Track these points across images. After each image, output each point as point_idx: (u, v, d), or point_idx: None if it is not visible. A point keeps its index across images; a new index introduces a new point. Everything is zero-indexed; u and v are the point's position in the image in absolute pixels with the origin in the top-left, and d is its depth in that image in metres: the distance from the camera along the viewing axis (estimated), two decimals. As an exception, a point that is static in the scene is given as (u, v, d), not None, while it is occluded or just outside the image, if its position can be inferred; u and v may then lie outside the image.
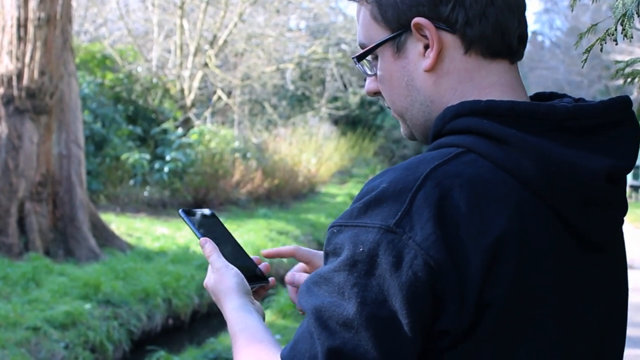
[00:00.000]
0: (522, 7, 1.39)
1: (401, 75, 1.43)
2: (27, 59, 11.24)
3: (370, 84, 1.50)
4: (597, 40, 1.92)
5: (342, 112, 32.33)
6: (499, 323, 1.22)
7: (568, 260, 1.30)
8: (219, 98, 23.71)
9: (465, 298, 1.19)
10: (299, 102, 33.54)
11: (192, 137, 19.37)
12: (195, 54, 21.63)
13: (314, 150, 26.87)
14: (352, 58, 1.49)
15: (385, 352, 1.19)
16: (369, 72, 1.49)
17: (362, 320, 1.19)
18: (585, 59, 2.01)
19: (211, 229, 1.74)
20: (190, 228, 1.71)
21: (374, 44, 1.43)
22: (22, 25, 11.21)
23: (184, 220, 1.73)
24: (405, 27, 1.39)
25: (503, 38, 1.37)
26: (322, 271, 1.27)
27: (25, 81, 11.28)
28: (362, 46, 1.47)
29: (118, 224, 14.68)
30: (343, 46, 29.68)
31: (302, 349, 1.24)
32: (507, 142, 1.25)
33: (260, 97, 29.08)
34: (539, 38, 64.47)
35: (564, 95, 1.44)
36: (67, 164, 11.97)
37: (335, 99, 32.20)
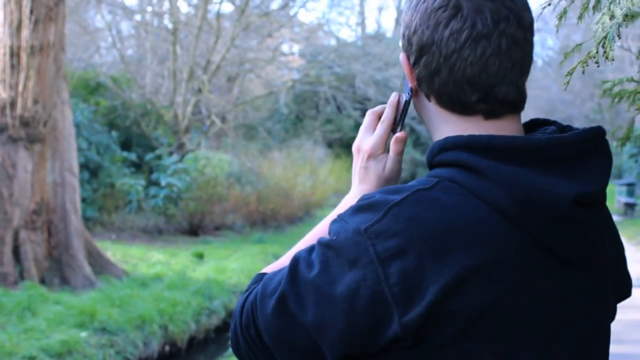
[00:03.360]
0: (483, 81, 1.45)
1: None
2: (20, 88, 11.26)
3: None
4: (579, 63, 1.97)
5: (336, 135, 32.36)
6: (465, 332, 1.34)
7: (544, 277, 1.40)
8: (213, 123, 23.73)
9: (412, 307, 1.32)
10: (293, 125, 33.57)
11: (187, 162, 19.37)
12: (188, 80, 21.67)
13: (309, 173, 26.85)
14: None
15: (315, 319, 1.39)
16: None
17: (313, 285, 1.39)
18: (568, 82, 2.06)
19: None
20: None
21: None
22: (15, 53, 11.25)
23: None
24: None
25: (451, 101, 1.48)
26: (318, 239, 1.46)
27: (18, 110, 11.29)
28: None
29: (114, 251, 14.63)
30: (336, 69, 29.73)
31: (276, 279, 1.47)
32: (483, 172, 1.38)
33: (254, 122, 29.09)
34: (531, 58, 64.54)
35: (554, 123, 1.55)
36: (62, 192, 11.94)
37: (329, 121, 32.24)
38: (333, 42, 34.33)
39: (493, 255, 1.34)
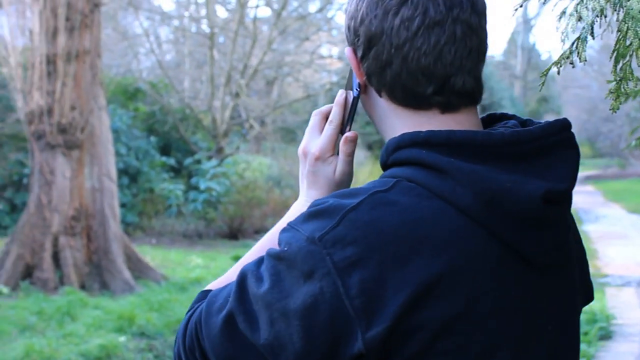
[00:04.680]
0: (438, 71, 1.36)
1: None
2: (57, 95, 11.35)
3: None
4: (552, 64, 1.95)
5: (375, 137, 32.27)
6: (433, 345, 1.25)
7: (512, 282, 1.32)
8: (251, 126, 23.79)
9: (376, 321, 1.23)
10: (333, 128, 33.55)
11: (226, 166, 19.42)
12: (226, 84, 21.73)
13: (349, 175, 26.75)
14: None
15: (268, 339, 1.28)
16: None
17: (265, 302, 1.28)
18: (543, 83, 2.03)
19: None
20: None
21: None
22: (51, 61, 11.35)
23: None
24: None
25: (405, 95, 1.39)
26: (267, 251, 1.35)
27: (56, 116, 11.39)
28: None
29: (153, 255, 14.70)
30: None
31: (222, 296, 1.37)
32: (444, 170, 1.28)
33: (293, 125, 29.11)
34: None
35: (513, 117, 1.47)
36: (100, 198, 12.02)
37: (368, 124, 32.15)
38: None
39: (459, 261, 1.25)
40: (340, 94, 1.56)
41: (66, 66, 11.33)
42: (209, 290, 1.46)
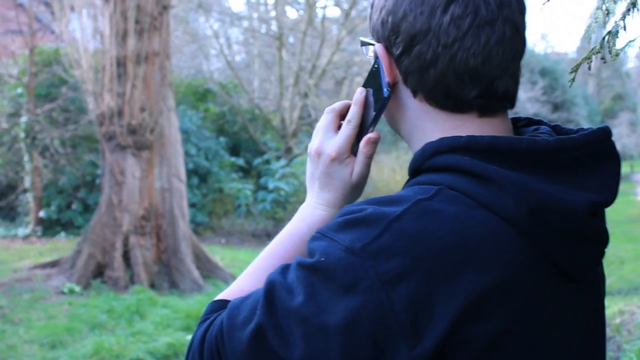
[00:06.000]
0: (485, 73, 1.30)
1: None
2: (127, 96, 11.53)
3: None
4: (583, 60, 1.88)
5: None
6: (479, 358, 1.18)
7: (551, 296, 1.26)
8: (320, 127, 23.82)
9: (423, 338, 1.15)
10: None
11: (295, 166, 19.48)
12: (294, 85, 21.80)
13: (418, 175, 26.60)
14: None
15: (303, 355, 1.20)
16: None
17: (299, 316, 1.20)
18: (573, 79, 1.97)
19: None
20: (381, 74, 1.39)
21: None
22: (121, 63, 11.53)
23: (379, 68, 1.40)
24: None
25: (446, 96, 1.32)
26: (297, 260, 1.27)
27: (126, 118, 11.57)
28: None
29: (222, 255, 14.82)
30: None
31: (246, 307, 1.27)
32: (488, 178, 1.22)
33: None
34: (648, 53, 62.67)
35: (540, 122, 1.41)
36: (170, 198, 12.16)
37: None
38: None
39: (507, 274, 1.19)
40: (360, 93, 1.45)
41: (136, 68, 11.50)
42: (223, 300, 1.39)
